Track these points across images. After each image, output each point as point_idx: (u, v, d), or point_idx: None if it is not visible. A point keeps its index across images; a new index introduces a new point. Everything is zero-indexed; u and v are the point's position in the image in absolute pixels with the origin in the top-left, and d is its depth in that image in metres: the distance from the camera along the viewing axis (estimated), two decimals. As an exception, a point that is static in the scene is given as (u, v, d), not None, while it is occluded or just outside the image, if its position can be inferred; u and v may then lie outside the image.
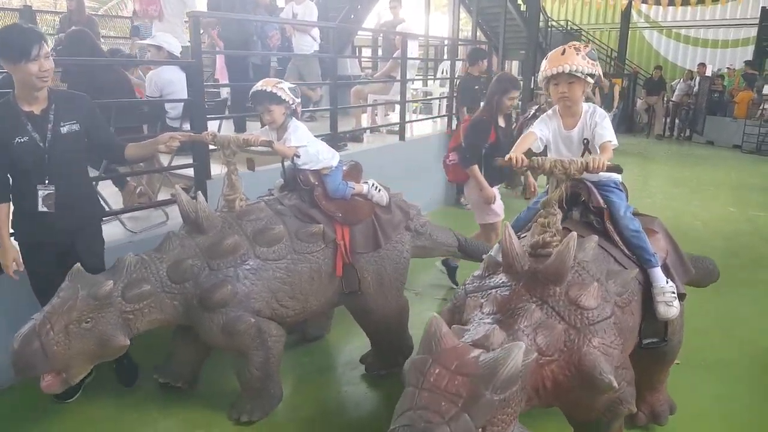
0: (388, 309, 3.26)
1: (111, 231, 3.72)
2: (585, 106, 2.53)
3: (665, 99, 14.39)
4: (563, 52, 2.42)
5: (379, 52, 9.10)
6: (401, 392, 1.79)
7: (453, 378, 1.66)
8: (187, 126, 4.31)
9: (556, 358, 1.97)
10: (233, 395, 3.06)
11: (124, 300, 2.62)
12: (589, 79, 2.44)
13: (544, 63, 2.47)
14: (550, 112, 2.64)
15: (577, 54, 2.39)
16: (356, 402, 3.19)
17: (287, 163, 3.21)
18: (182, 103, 4.46)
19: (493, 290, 2.16)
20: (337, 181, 3.18)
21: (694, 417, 2.99)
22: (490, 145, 4.16)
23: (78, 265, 2.64)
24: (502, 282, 2.18)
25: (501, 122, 4.26)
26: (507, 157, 2.29)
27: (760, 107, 12.48)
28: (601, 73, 2.57)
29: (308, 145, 3.12)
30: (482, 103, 4.48)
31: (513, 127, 4.39)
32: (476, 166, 4.19)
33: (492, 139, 4.17)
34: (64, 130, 2.75)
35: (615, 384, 1.95)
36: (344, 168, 3.30)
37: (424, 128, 7.90)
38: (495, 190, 4.29)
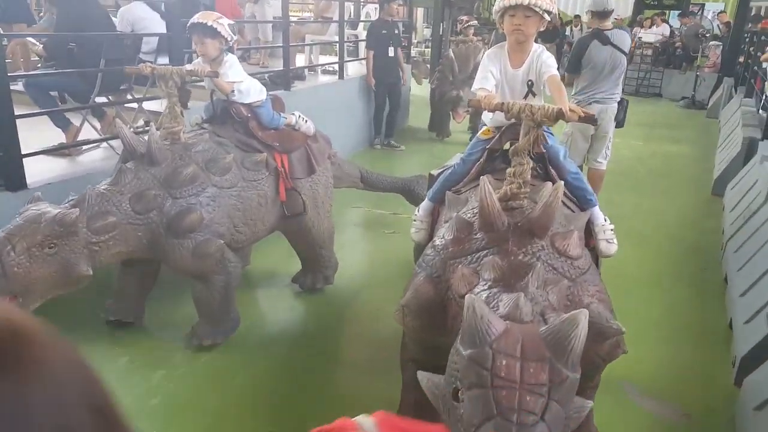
0: (322, 228, 3.58)
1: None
2: (535, 46, 2.45)
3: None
4: None
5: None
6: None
7: (525, 366, 1.39)
8: (162, 60, 4.63)
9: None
10: (183, 327, 3.16)
11: (90, 231, 2.60)
12: (546, 16, 2.32)
13: None
14: (496, 48, 2.53)
15: None
16: (303, 315, 3.63)
17: (217, 97, 3.31)
18: (156, 39, 4.77)
19: (481, 253, 1.97)
20: (270, 113, 3.35)
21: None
22: None
23: (38, 193, 2.64)
24: (486, 243, 1.98)
25: None
26: (477, 97, 2.22)
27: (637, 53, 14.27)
28: (558, 12, 2.56)
29: (243, 81, 3.23)
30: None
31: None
32: None
33: None
34: None
35: (622, 327, 1.85)
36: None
37: (356, 69, 8.30)
38: None
